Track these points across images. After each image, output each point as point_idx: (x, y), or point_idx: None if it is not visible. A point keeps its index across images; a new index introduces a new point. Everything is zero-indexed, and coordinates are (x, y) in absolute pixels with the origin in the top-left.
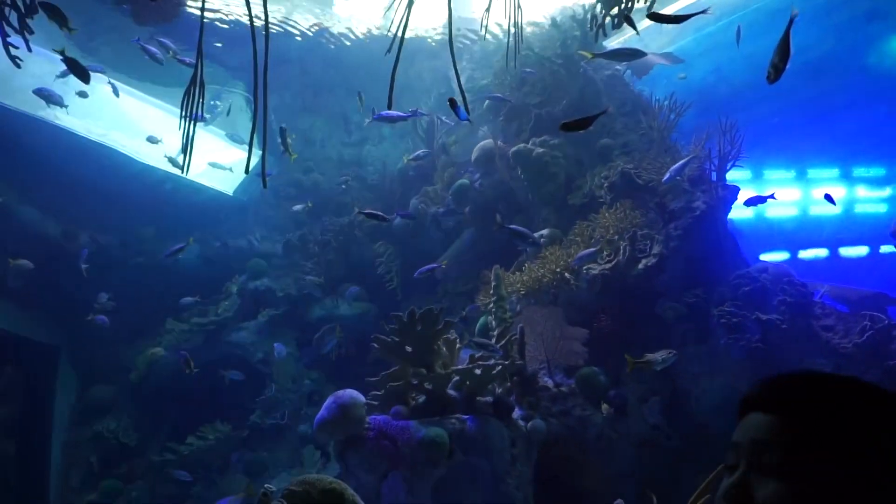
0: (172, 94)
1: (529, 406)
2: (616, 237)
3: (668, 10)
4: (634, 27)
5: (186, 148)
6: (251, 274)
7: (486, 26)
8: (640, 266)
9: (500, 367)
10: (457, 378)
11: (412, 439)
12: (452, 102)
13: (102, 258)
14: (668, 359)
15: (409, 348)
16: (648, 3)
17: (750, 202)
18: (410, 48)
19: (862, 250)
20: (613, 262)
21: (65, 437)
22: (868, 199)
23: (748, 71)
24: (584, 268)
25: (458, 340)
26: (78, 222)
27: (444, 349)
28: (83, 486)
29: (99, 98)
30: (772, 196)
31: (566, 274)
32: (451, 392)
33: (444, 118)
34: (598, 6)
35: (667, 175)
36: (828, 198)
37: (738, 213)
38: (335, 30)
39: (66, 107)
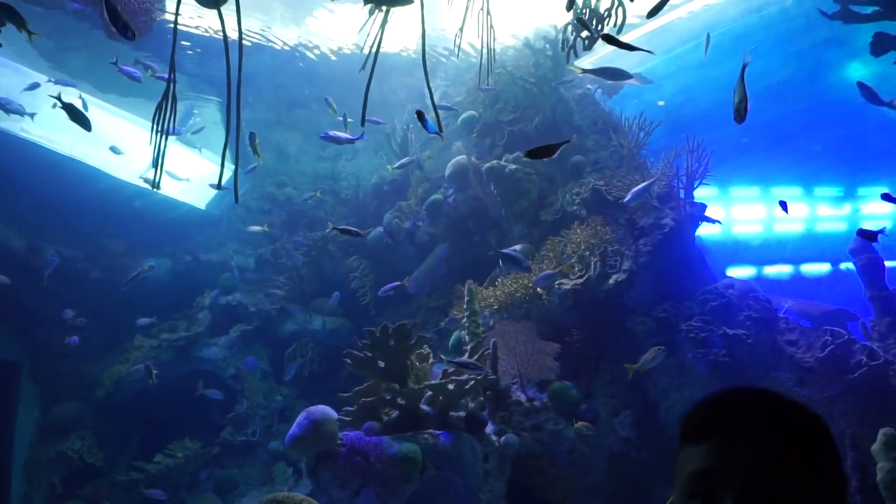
0: (140, 106)
1: (502, 421)
2: (587, 253)
3: (639, 33)
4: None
5: (157, 162)
6: (223, 289)
7: (459, 46)
8: (611, 281)
9: (472, 381)
10: (430, 393)
11: (385, 455)
12: (420, 115)
13: (68, 272)
14: (657, 356)
15: (381, 363)
16: (614, 26)
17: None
18: (385, 64)
19: (823, 267)
20: (584, 278)
21: (26, 456)
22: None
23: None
24: (556, 283)
25: (430, 355)
26: (43, 235)
27: (418, 364)
28: None
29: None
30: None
31: (538, 289)
32: (424, 407)
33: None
34: (570, 28)
35: (628, 196)
36: (782, 204)
37: (706, 229)
38: (310, 45)
39: (26, 115)
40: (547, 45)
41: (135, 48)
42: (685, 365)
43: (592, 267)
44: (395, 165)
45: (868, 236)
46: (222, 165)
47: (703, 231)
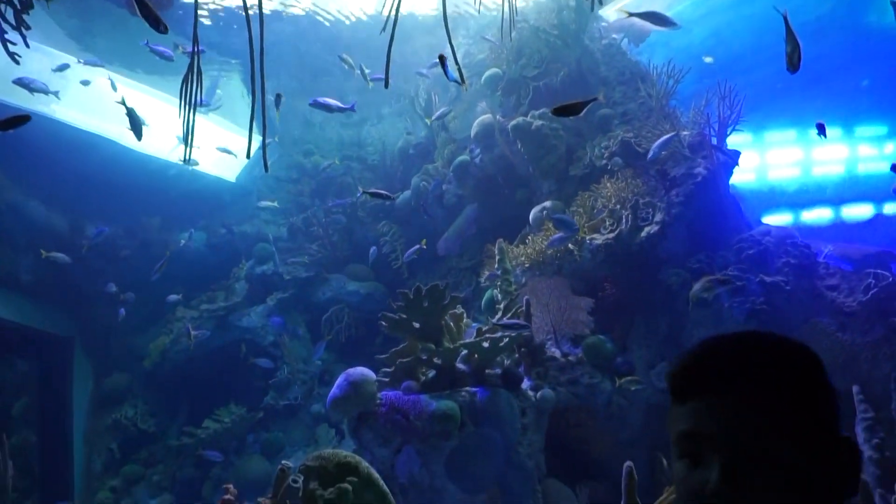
0: (169, 84)
1: (538, 376)
2: (618, 206)
3: None
4: None
5: (187, 137)
6: (257, 259)
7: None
8: (643, 234)
9: (507, 339)
10: (465, 352)
11: (424, 413)
12: (442, 59)
13: (108, 249)
14: (711, 286)
15: (416, 324)
16: None
17: None
18: (406, 26)
19: (866, 210)
20: (616, 232)
21: (85, 425)
22: (871, 157)
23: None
24: (588, 238)
25: (464, 315)
26: (83, 215)
27: (452, 324)
28: (105, 471)
29: (99, 91)
30: None
31: (570, 245)
32: (460, 365)
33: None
34: None
35: (651, 152)
36: (819, 128)
37: (741, 176)
38: (330, 10)
39: (51, 93)
40: None
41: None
42: (722, 315)
43: (624, 220)
44: (434, 117)
45: None
46: (249, 136)
47: (738, 178)
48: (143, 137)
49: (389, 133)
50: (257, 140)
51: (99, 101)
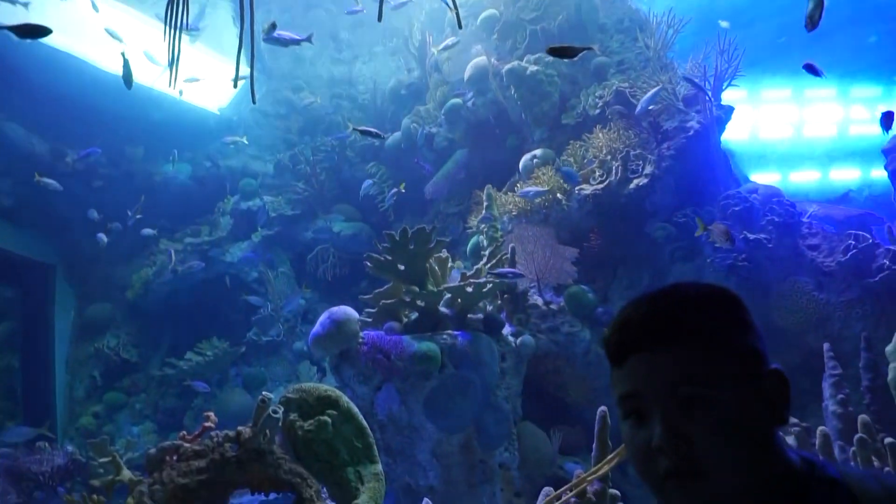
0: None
1: (519, 323)
2: (609, 157)
3: None
4: None
5: (173, 62)
6: (243, 194)
7: None
8: (632, 186)
9: (490, 285)
10: (448, 296)
11: (405, 353)
12: None
13: (92, 176)
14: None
15: (401, 266)
16: None
17: None
18: None
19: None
20: (605, 183)
21: (67, 352)
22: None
23: None
24: (577, 188)
25: (449, 259)
26: (65, 141)
27: (436, 267)
28: (88, 397)
29: (79, 12)
30: None
31: (558, 194)
32: (443, 309)
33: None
34: None
35: (639, 106)
36: (809, 69)
37: (732, 132)
38: None
39: (18, 3)
40: None
41: None
42: (703, 269)
43: (614, 172)
44: (440, 47)
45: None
46: (237, 67)
47: (730, 134)
48: (132, 87)
49: (381, 72)
50: (245, 73)
51: (81, 23)
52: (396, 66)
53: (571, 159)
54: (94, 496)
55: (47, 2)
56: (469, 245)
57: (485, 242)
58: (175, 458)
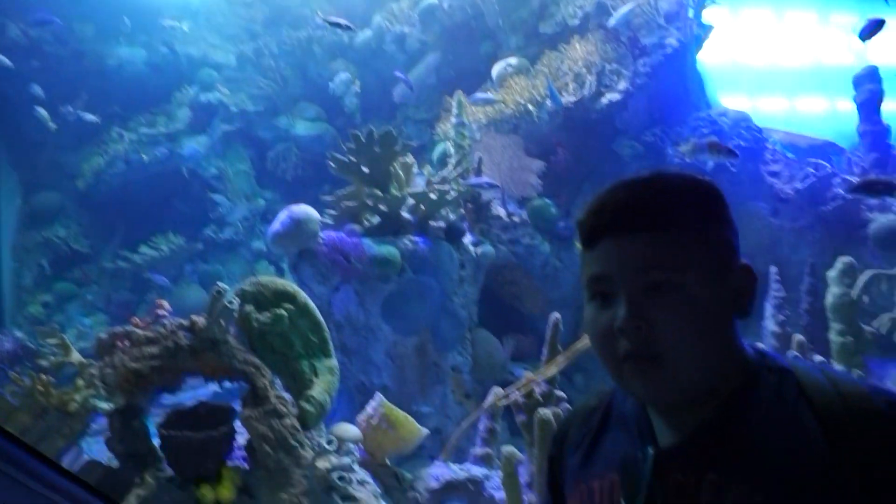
0: None
1: (481, 232)
2: (584, 70)
3: None
4: None
5: None
6: (202, 85)
7: None
8: (604, 101)
9: (454, 192)
10: (411, 201)
11: (365, 255)
12: None
13: (38, 55)
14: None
15: (365, 169)
16: None
17: None
18: None
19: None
20: (579, 96)
21: (13, 240)
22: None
23: None
24: (547, 100)
25: (414, 164)
26: (7, 14)
27: (401, 172)
28: (36, 286)
29: None
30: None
31: (529, 105)
32: (406, 214)
33: None
34: None
35: (615, 19)
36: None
37: (709, 53)
38: None
39: None
40: None
41: None
42: None
43: (588, 86)
44: None
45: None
46: None
47: (706, 55)
48: None
49: None
50: None
51: None
52: None
53: (546, 69)
54: (43, 376)
55: None
56: (436, 152)
57: (452, 150)
58: (127, 343)
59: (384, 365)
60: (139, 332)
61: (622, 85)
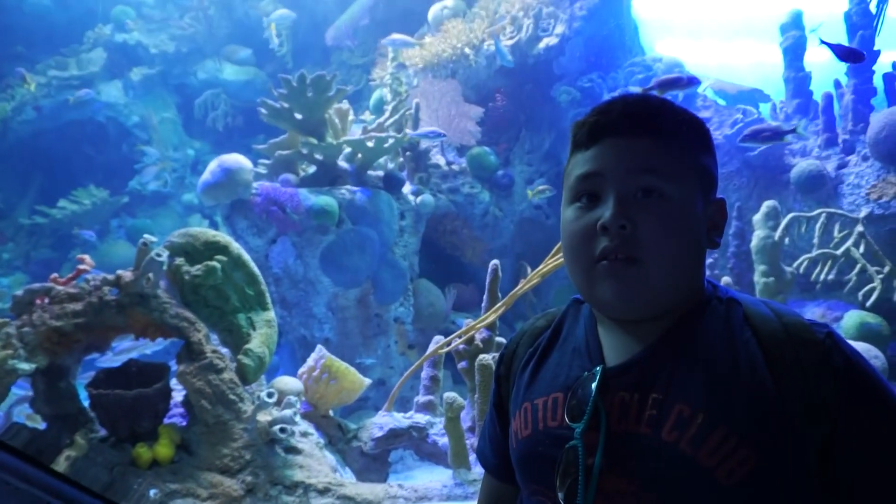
0: None
1: (420, 181)
2: (521, 14)
3: None
4: None
5: None
6: (117, 24)
7: None
8: (542, 46)
9: (392, 140)
10: (348, 150)
11: (301, 206)
12: None
13: None
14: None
15: (298, 115)
16: None
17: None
18: None
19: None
20: (515, 40)
21: None
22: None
23: None
24: (486, 44)
25: (350, 111)
26: None
27: (336, 119)
28: None
29: None
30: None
31: (466, 49)
32: (343, 164)
33: None
34: None
35: None
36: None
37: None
38: None
39: None
40: None
41: None
42: None
43: (525, 29)
44: None
45: None
46: None
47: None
48: None
49: None
50: None
51: None
52: None
53: (483, 12)
54: None
55: None
56: (372, 99)
57: (388, 97)
58: (46, 300)
59: (325, 318)
60: (60, 288)
61: (559, 29)
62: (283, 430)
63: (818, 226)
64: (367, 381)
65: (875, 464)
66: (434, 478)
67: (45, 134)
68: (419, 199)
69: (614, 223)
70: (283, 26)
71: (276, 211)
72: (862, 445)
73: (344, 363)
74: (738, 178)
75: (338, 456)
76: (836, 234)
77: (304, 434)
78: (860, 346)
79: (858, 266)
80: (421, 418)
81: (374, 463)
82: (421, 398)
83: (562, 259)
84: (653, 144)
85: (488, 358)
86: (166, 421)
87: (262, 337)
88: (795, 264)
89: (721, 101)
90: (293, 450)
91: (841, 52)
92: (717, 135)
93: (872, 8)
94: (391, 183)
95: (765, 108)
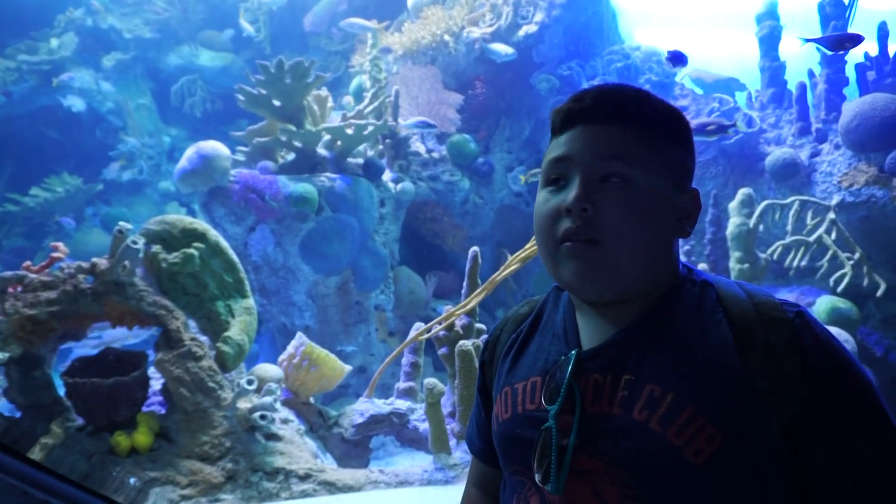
0: None
1: (400, 169)
2: (500, 1)
3: None
4: None
5: None
6: (88, 8)
7: None
8: (521, 33)
9: (371, 127)
10: (327, 137)
11: (280, 194)
12: None
13: None
14: None
15: (277, 102)
16: None
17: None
18: None
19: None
20: (495, 27)
21: None
22: None
23: None
24: (466, 31)
25: (329, 98)
26: None
27: (315, 106)
28: None
29: None
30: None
31: (446, 37)
32: (322, 151)
33: None
34: None
35: None
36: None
37: None
38: None
39: None
40: None
41: None
42: None
43: (504, 17)
44: None
45: None
46: None
47: None
48: None
49: None
50: None
51: None
52: None
53: (463, 0)
54: None
55: None
56: (352, 86)
57: (368, 84)
58: (20, 289)
59: (306, 305)
60: (33, 276)
61: (538, 17)
62: (263, 417)
63: (792, 213)
64: (347, 368)
65: (842, 443)
66: (415, 463)
67: (15, 120)
68: (399, 186)
69: (576, 206)
70: (261, 12)
71: (255, 198)
72: (829, 425)
73: (324, 350)
74: (714, 167)
75: (319, 442)
76: (808, 221)
77: (285, 421)
78: (831, 331)
79: (830, 252)
80: (402, 404)
81: (356, 449)
82: (402, 384)
83: None
84: (621, 132)
85: (468, 344)
86: (145, 409)
87: (241, 324)
88: (770, 251)
89: (698, 90)
90: (273, 436)
91: (834, 42)
92: (694, 123)
93: None
94: (371, 170)
95: (741, 97)
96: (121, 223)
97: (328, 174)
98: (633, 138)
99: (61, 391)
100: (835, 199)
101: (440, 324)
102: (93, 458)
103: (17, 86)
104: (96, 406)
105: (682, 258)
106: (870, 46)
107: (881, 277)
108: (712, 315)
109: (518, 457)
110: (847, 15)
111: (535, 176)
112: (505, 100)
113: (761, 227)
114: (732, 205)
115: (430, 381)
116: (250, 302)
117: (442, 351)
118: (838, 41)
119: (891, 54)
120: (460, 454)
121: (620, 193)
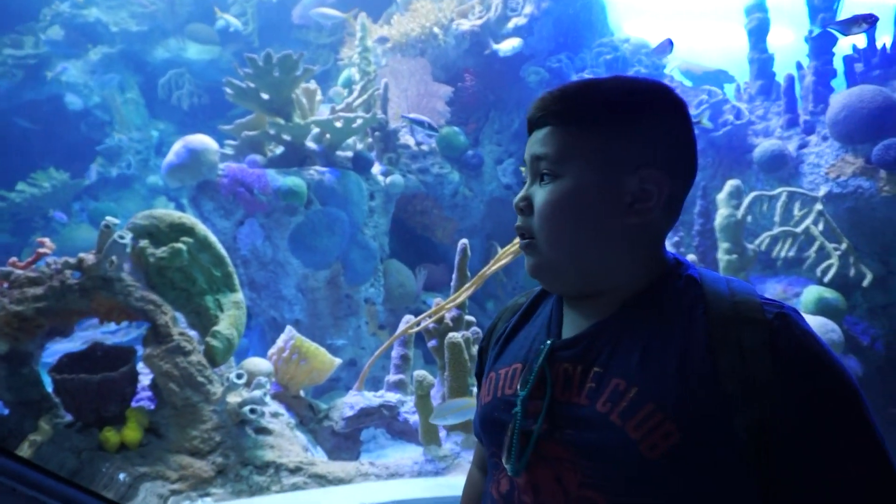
0: None
1: (389, 162)
2: None
3: None
4: None
5: None
6: (73, 2)
7: None
8: (510, 26)
9: (360, 120)
10: (316, 130)
11: (269, 187)
12: None
13: None
14: None
15: (265, 95)
16: None
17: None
18: None
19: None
20: (484, 19)
21: None
22: None
23: None
24: (455, 23)
25: (318, 91)
26: None
27: (304, 99)
28: None
29: None
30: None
31: (435, 29)
32: (311, 144)
33: None
34: None
35: None
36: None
37: None
38: None
39: None
40: None
41: None
42: None
43: (493, 9)
44: None
45: None
46: None
47: None
48: None
49: None
50: None
51: None
52: None
53: None
54: None
55: None
56: (341, 78)
57: (357, 76)
58: (6, 285)
59: (295, 299)
60: (19, 272)
61: (528, 9)
62: (253, 411)
63: (779, 204)
64: (337, 361)
65: (811, 448)
66: (405, 455)
67: (0, 114)
68: (389, 179)
69: (516, 203)
70: (249, 4)
71: (244, 192)
72: (797, 430)
73: (314, 344)
74: (702, 158)
75: (309, 436)
76: (796, 212)
77: (275, 414)
78: (818, 321)
79: (817, 243)
80: (392, 397)
81: (346, 442)
82: (391, 377)
83: None
84: (548, 131)
85: (457, 336)
86: (134, 404)
87: (230, 318)
88: (757, 241)
89: (687, 82)
90: (264, 430)
91: (849, 24)
92: None
93: None
94: (360, 163)
95: (729, 89)
96: (108, 218)
97: (317, 167)
98: (558, 135)
99: (49, 387)
100: (822, 191)
101: (430, 317)
102: (82, 454)
103: (2, 80)
104: (85, 402)
105: (671, 249)
106: (857, 38)
107: (867, 268)
108: (691, 311)
109: (494, 438)
110: (835, 7)
111: None
112: (494, 92)
113: (749, 218)
114: (721, 196)
115: (420, 373)
116: (239, 296)
117: (432, 343)
118: (854, 22)
119: (878, 46)
120: (450, 446)
121: (547, 192)
